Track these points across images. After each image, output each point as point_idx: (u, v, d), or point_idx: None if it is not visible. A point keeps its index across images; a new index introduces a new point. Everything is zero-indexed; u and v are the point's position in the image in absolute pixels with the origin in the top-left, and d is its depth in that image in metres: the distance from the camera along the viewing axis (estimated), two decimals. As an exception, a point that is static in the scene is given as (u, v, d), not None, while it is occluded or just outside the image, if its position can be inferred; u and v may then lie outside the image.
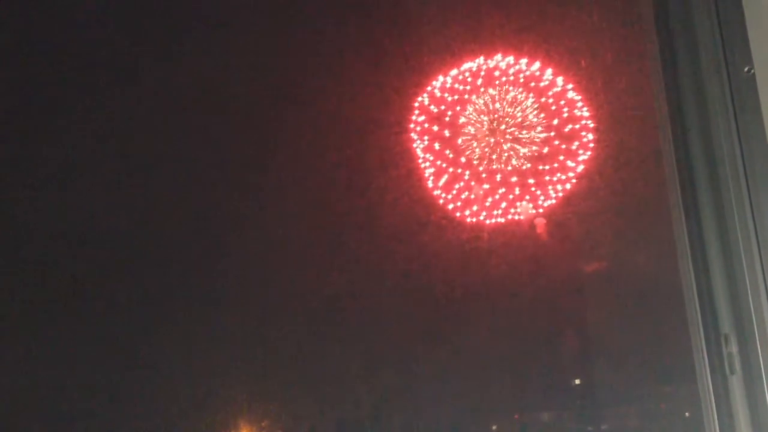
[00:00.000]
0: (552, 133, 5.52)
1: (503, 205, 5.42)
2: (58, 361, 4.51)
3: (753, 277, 1.85)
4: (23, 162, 4.86)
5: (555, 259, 4.98)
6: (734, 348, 1.89)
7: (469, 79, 5.73)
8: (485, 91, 5.67)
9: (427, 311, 4.91)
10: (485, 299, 4.93)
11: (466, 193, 5.55)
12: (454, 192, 5.59)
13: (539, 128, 5.52)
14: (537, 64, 5.55)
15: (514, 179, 5.50)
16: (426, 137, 5.71)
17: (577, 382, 4.87)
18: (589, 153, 5.41)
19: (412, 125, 5.73)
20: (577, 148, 5.46)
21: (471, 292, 4.95)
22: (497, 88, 5.63)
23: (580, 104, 5.49)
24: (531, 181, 5.46)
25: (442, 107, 5.77)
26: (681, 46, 2.17)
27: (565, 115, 5.54)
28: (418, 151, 5.69)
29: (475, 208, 5.49)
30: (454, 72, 5.75)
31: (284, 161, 5.10)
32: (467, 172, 5.60)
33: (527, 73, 5.56)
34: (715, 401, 1.92)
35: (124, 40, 5.03)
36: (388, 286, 5.05)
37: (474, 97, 5.69)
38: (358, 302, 4.97)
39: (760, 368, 1.81)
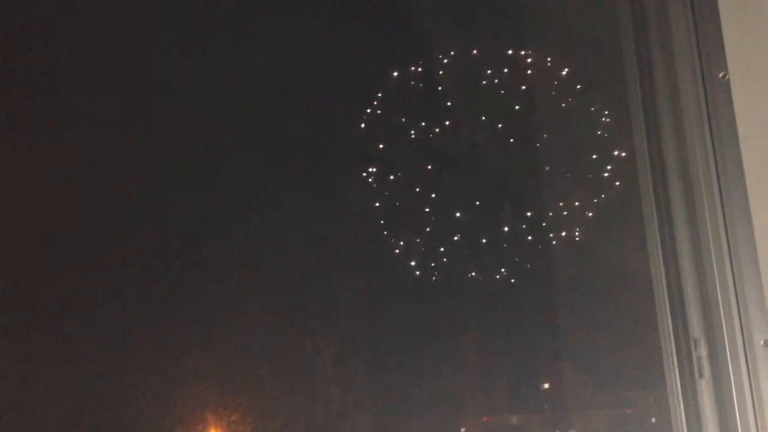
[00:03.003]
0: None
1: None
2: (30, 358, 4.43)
3: (723, 281, 1.86)
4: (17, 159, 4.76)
5: (523, 260, 5.00)
6: (704, 352, 1.90)
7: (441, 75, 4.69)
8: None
9: (397, 311, 4.90)
10: (453, 300, 4.93)
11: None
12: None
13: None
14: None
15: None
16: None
17: (546, 385, 4.89)
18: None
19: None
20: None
21: (439, 292, 4.95)
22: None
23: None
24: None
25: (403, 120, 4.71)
26: (656, 51, 2.18)
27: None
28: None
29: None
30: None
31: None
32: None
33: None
34: (684, 405, 1.94)
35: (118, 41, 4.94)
36: (358, 283, 5.04)
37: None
38: (331, 297, 4.95)
39: (729, 372, 1.82)
